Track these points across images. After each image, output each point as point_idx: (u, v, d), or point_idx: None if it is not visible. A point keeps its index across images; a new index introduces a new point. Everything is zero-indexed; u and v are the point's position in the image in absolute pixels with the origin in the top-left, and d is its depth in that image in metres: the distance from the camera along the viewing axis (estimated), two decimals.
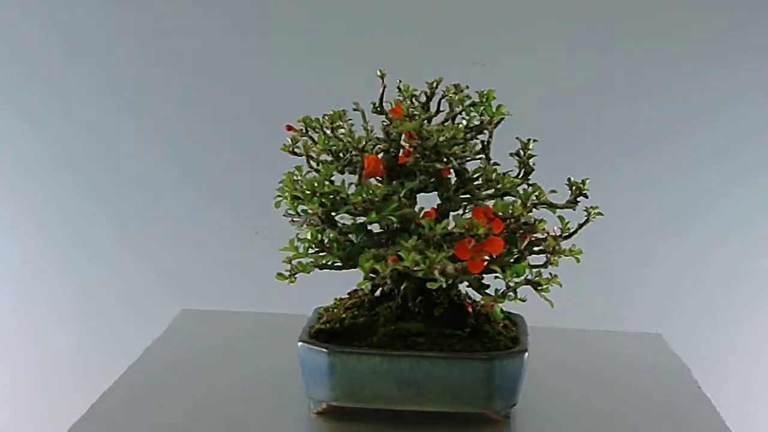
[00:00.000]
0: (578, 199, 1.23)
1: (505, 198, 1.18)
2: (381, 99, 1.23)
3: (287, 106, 2.38)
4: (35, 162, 2.44)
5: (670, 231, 2.42)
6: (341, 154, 1.20)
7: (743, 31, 2.37)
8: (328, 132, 1.21)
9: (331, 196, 1.14)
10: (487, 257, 1.11)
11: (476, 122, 1.23)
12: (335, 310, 1.27)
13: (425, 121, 1.19)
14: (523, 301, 1.13)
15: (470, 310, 1.19)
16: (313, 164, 1.20)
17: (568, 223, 1.22)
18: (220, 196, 2.43)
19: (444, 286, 1.08)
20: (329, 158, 1.21)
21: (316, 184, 1.14)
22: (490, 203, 1.16)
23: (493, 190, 1.18)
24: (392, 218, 1.16)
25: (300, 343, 1.18)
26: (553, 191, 1.23)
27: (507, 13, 2.39)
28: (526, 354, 1.17)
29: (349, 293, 1.29)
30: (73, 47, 2.42)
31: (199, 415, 1.24)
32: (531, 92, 2.37)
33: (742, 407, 2.35)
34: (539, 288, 1.12)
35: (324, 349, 1.16)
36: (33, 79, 2.42)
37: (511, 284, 1.11)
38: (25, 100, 2.43)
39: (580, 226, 1.23)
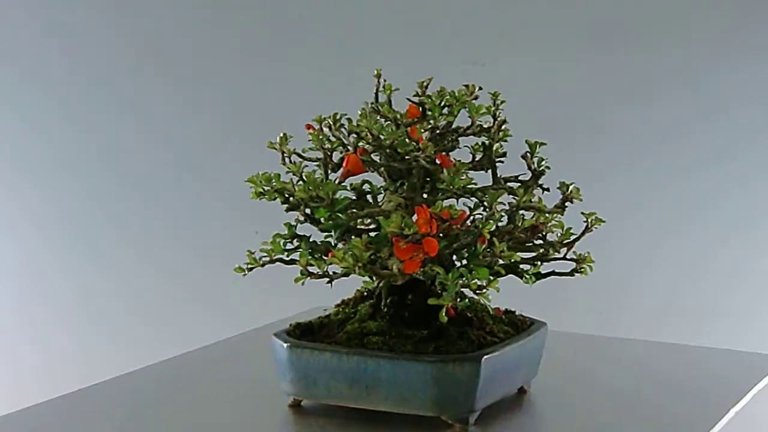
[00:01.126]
0: (566, 204, 1.22)
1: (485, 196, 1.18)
2: (376, 98, 1.24)
3: (287, 106, 2.39)
4: (35, 162, 2.45)
5: (670, 231, 2.42)
6: (331, 153, 1.21)
7: (743, 32, 2.37)
8: (326, 131, 1.21)
9: (284, 192, 1.17)
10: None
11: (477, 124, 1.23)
12: (336, 308, 1.28)
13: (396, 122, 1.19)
14: (468, 304, 1.12)
15: (452, 312, 1.17)
16: (288, 161, 1.22)
17: (569, 229, 1.21)
18: (220, 196, 2.44)
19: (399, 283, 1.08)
20: (321, 156, 1.22)
21: (273, 180, 1.17)
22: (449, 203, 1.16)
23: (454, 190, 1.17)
24: (341, 216, 1.17)
25: (272, 336, 1.20)
26: (546, 189, 1.23)
27: (507, 14, 2.39)
28: (484, 360, 1.12)
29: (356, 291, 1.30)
30: (73, 47, 2.42)
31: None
32: (531, 93, 2.37)
33: None
34: (478, 292, 1.11)
35: (285, 343, 1.17)
36: (33, 79, 2.43)
37: (456, 286, 1.10)
38: (25, 100, 2.43)
39: (581, 234, 1.23)
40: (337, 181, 1.19)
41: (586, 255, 1.25)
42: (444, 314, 1.10)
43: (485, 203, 1.15)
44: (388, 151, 1.18)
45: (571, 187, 1.21)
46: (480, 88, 1.23)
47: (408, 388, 1.13)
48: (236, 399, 1.28)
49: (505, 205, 1.17)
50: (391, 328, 1.18)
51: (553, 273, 1.24)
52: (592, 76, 2.39)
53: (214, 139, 2.42)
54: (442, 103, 1.20)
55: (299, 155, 1.22)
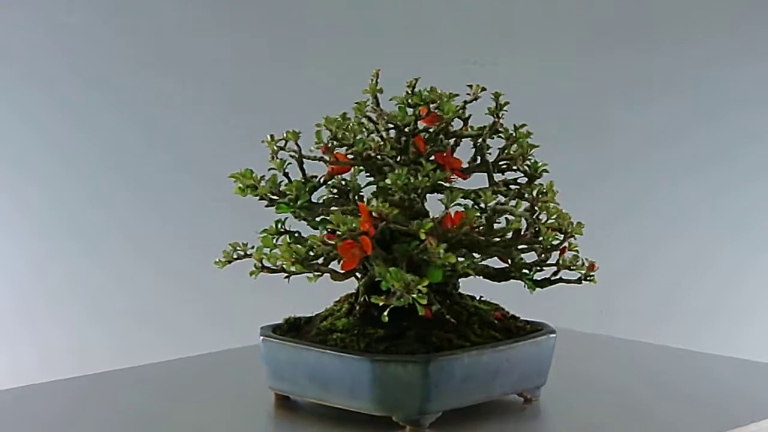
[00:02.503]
0: (536, 206, 1.19)
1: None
2: (375, 98, 1.24)
3: (288, 105, 2.39)
4: (35, 162, 2.45)
5: (670, 231, 2.42)
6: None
7: (743, 32, 2.37)
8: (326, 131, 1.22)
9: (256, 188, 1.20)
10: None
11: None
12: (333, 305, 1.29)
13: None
14: (419, 304, 1.12)
15: (429, 314, 1.18)
16: (274, 158, 1.23)
17: (553, 234, 1.18)
18: (221, 195, 2.43)
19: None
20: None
21: (251, 176, 1.21)
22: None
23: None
24: (301, 212, 1.19)
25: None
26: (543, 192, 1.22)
27: (507, 14, 2.39)
28: (434, 363, 1.12)
29: None
30: (72, 46, 2.42)
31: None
32: (530, 93, 2.37)
33: None
34: (412, 296, 1.11)
35: (260, 336, 1.21)
36: (33, 78, 2.43)
37: (396, 285, 1.11)
38: (25, 100, 2.43)
39: (562, 242, 1.19)
40: (323, 179, 1.21)
41: (592, 262, 1.24)
42: (386, 314, 1.10)
43: (443, 203, 1.15)
44: (361, 156, 1.19)
45: (535, 191, 1.18)
46: (483, 89, 1.22)
47: (357, 386, 1.14)
48: (229, 397, 1.30)
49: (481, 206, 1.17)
50: (357, 327, 1.19)
51: (560, 280, 1.22)
52: (592, 77, 2.39)
53: (215, 137, 2.42)
54: (410, 102, 1.20)
55: (296, 153, 1.23)
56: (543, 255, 1.19)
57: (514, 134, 1.24)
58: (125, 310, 2.48)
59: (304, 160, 1.20)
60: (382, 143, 1.19)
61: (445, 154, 1.22)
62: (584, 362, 1.47)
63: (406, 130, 1.20)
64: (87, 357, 2.47)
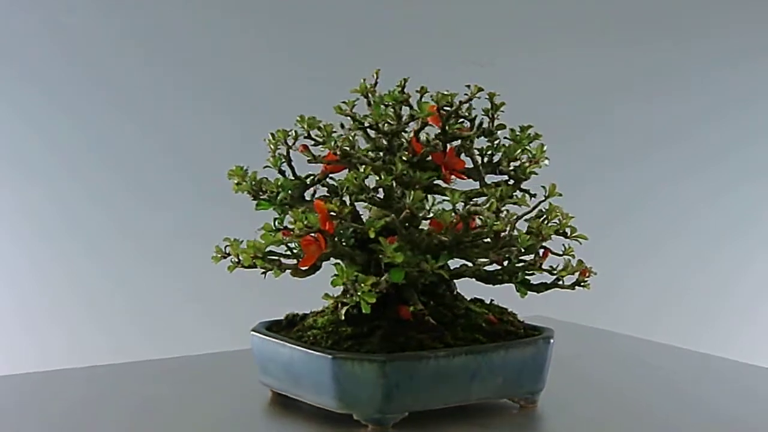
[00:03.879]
0: (502, 208, 1.19)
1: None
2: (366, 98, 1.24)
3: (288, 105, 2.39)
4: (35, 161, 2.45)
5: (670, 231, 2.43)
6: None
7: (743, 32, 2.37)
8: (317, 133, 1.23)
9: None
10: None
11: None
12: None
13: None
14: (365, 301, 1.12)
15: (408, 314, 1.18)
16: (270, 157, 1.24)
17: (528, 238, 1.17)
18: (222, 195, 2.43)
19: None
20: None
21: (240, 173, 1.25)
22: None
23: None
24: (279, 209, 1.22)
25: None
26: (533, 195, 1.21)
27: (507, 15, 2.39)
28: (392, 363, 1.12)
29: None
30: (72, 46, 2.42)
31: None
32: (530, 92, 2.37)
33: None
34: (353, 296, 1.12)
35: (251, 332, 1.25)
36: (33, 78, 2.43)
37: (349, 285, 1.11)
38: (25, 100, 2.43)
39: (538, 244, 1.19)
40: (317, 178, 1.23)
41: (585, 268, 1.23)
42: (365, 308, 1.12)
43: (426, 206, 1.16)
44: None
45: (500, 191, 1.17)
46: (480, 89, 1.22)
47: (321, 383, 1.16)
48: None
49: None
50: (333, 324, 1.20)
51: (554, 285, 1.22)
52: (592, 76, 2.39)
53: (215, 136, 2.43)
54: (384, 102, 1.21)
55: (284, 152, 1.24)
56: (517, 258, 1.18)
57: (498, 136, 1.23)
58: (125, 311, 2.48)
59: (306, 159, 1.22)
60: (350, 141, 1.19)
61: (446, 155, 1.21)
62: (583, 360, 1.46)
63: (386, 129, 1.21)
64: (87, 357, 2.47)
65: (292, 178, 1.24)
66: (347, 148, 1.19)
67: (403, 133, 1.23)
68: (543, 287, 1.22)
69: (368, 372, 1.12)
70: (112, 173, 2.45)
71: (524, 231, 1.18)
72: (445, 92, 1.22)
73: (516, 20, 2.39)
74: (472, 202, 1.18)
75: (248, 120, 2.42)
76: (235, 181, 1.25)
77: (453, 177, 1.21)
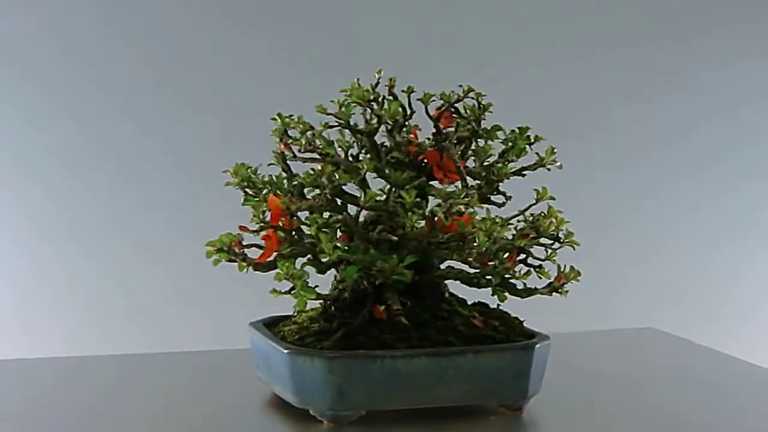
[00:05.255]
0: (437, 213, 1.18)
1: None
2: (378, 101, 1.24)
3: (289, 104, 2.38)
4: (35, 161, 2.45)
5: (670, 231, 2.43)
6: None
7: (743, 32, 2.37)
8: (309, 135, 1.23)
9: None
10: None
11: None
12: None
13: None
14: (303, 296, 1.13)
15: (382, 314, 1.18)
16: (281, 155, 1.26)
17: (486, 241, 1.15)
18: (222, 194, 2.43)
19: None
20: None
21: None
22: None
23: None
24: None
25: None
26: (508, 198, 1.21)
27: (507, 15, 2.39)
28: (338, 360, 1.12)
29: None
30: (73, 45, 2.42)
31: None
32: (530, 93, 2.37)
33: None
34: (292, 292, 1.13)
35: (249, 326, 1.28)
36: (32, 78, 2.43)
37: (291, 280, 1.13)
38: (25, 99, 2.43)
39: (498, 243, 1.18)
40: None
41: (561, 274, 1.21)
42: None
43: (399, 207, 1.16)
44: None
45: (432, 202, 1.17)
46: (471, 89, 1.21)
47: (282, 376, 1.17)
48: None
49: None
50: (308, 321, 1.22)
51: (536, 291, 1.21)
52: (592, 76, 2.39)
53: (215, 135, 2.42)
54: (349, 103, 1.21)
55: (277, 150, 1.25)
56: (476, 261, 1.17)
57: (474, 138, 1.22)
58: (125, 311, 2.48)
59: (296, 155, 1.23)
60: (326, 140, 1.20)
61: (441, 156, 1.20)
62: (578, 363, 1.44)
63: (360, 128, 1.21)
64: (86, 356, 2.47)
65: (287, 175, 1.24)
66: (314, 146, 1.19)
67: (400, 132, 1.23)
68: (525, 293, 1.21)
69: (318, 368, 1.13)
70: (112, 173, 2.45)
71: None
72: (431, 92, 1.22)
73: (516, 21, 2.39)
74: (444, 203, 1.16)
75: (249, 120, 2.42)
76: (231, 175, 1.26)
77: (448, 178, 1.21)
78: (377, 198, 1.16)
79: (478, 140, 1.23)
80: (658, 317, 2.40)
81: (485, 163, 1.22)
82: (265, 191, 1.20)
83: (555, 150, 1.23)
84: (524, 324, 1.26)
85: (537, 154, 1.23)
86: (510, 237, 1.19)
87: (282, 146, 1.23)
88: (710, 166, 2.41)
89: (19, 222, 2.47)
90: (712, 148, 2.40)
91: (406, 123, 1.23)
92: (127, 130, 2.44)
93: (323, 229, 1.13)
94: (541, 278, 1.20)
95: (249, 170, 1.23)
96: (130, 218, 2.46)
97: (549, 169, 1.22)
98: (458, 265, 1.21)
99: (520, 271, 1.20)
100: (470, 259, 1.16)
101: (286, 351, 1.15)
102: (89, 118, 2.44)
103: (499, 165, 1.21)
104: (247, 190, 1.23)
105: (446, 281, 1.24)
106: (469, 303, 1.26)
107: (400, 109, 1.22)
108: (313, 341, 1.17)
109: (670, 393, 1.31)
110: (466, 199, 1.14)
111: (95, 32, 2.42)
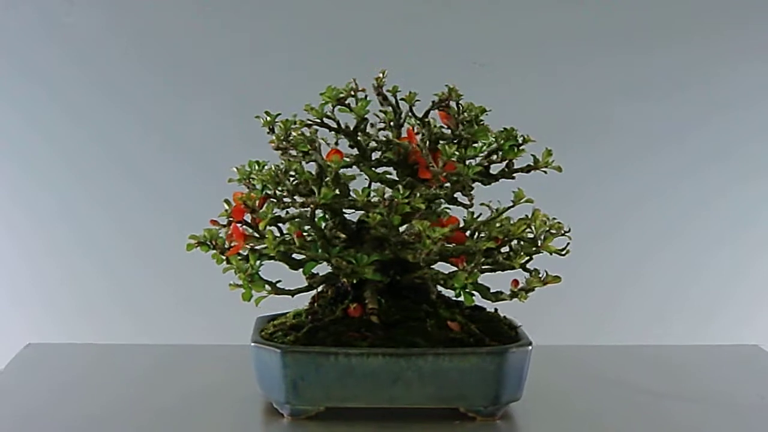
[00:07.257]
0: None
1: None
2: (384, 99, 1.24)
3: (289, 104, 2.38)
4: (35, 160, 2.45)
5: (670, 232, 2.43)
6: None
7: (743, 32, 2.37)
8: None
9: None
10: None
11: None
12: None
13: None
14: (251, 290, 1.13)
15: (356, 312, 1.18)
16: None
17: (441, 242, 1.15)
18: (223, 194, 2.43)
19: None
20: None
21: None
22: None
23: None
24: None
25: None
26: (470, 201, 1.21)
27: (507, 15, 2.39)
28: (291, 354, 1.14)
29: None
30: (73, 47, 2.42)
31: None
32: (530, 93, 2.37)
33: None
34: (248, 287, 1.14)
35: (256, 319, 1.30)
36: (32, 77, 2.43)
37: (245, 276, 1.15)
38: (24, 98, 2.43)
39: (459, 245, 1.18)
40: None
41: (515, 279, 1.20)
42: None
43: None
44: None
45: (390, 201, 1.17)
46: (452, 89, 1.21)
47: (253, 369, 1.21)
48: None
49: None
50: (295, 317, 1.24)
51: (503, 296, 1.19)
52: (591, 77, 2.39)
53: (216, 134, 2.42)
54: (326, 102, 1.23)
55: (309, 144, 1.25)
56: (422, 262, 1.17)
57: (456, 139, 1.21)
58: (125, 311, 2.48)
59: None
60: (307, 137, 1.22)
61: (430, 157, 1.19)
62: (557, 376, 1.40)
63: (339, 126, 1.21)
64: None
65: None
66: (289, 142, 1.21)
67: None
68: (493, 297, 1.20)
69: (272, 360, 1.16)
70: (112, 172, 2.45)
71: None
72: (415, 91, 1.22)
73: (516, 22, 2.39)
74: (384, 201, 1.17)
75: (249, 120, 2.41)
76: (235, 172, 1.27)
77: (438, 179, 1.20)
78: (335, 195, 1.17)
79: (462, 141, 1.21)
80: (658, 317, 2.40)
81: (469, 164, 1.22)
82: (259, 187, 1.22)
83: (551, 152, 1.21)
84: (519, 329, 1.23)
85: (533, 156, 1.22)
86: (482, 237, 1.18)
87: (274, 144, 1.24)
88: (710, 167, 2.41)
89: (18, 221, 2.47)
90: (712, 148, 2.40)
91: (402, 123, 1.23)
92: (127, 129, 2.44)
93: (277, 224, 1.17)
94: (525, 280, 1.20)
95: (256, 165, 1.26)
96: (131, 217, 2.46)
97: (546, 172, 1.21)
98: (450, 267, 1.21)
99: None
100: (421, 258, 1.16)
101: (252, 344, 1.18)
102: (89, 118, 2.44)
103: (461, 166, 1.18)
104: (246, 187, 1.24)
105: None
106: (475, 307, 1.24)
107: (390, 109, 1.23)
108: (280, 336, 1.20)
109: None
110: (407, 198, 1.15)
111: (95, 32, 2.42)
